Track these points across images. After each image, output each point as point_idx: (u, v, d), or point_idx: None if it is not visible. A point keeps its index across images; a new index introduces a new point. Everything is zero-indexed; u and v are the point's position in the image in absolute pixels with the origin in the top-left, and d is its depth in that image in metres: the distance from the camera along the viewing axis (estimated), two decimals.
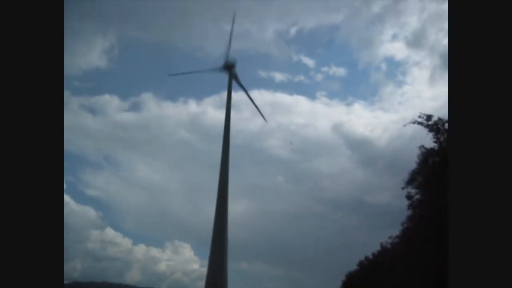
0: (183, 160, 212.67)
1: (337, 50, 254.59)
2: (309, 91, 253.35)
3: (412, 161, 31.67)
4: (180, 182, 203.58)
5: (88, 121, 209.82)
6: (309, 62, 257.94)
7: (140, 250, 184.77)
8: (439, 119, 29.37)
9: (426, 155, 30.27)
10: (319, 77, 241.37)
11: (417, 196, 31.54)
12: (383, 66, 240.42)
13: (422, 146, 30.59)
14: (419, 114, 30.24)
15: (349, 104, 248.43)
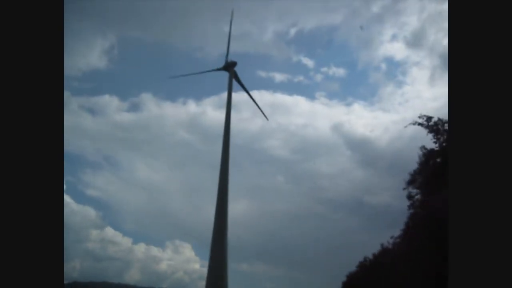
0: (183, 160, 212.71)
1: (336, 50, 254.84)
2: (308, 92, 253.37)
3: (412, 162, 31.72)
4: (180, 182, 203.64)
5: (88, 122, 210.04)
6: (309, 62, 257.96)
7: (140, 249, 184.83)
8: (439, 119, 29.40)
9: (427, 156, 30.29)
10: (318, 77, 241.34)
11: (418, 196, 31.57)
12: (383, 66, 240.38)
13: (423, 147, 30.63)
14: (419, 115, 30.28)
15: (348, 105, 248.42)
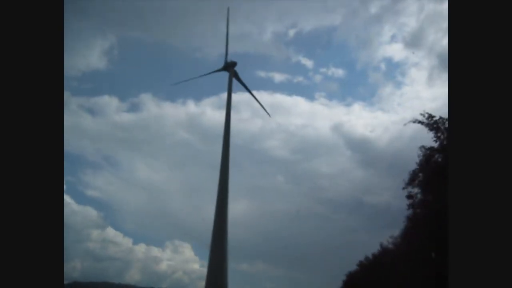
0: (182, 160, 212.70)
1: (335, 51, 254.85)
2: (308, 92, 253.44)
3: (412, 162, 31.66)
4: (180, 182, 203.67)
5: (88, 122, 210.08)
6: (308, 62, 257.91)
7: (140, 249, 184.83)
8: (440, 118, 29.33)
9: (427, 155, 30.26)
10: (318, 78, 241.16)
11: (418, 196, 31.54)
12: (382, 66, 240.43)
13: (422, 146, 30.59)
14: (420, 113, 30.22)
15: (348, 105, 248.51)
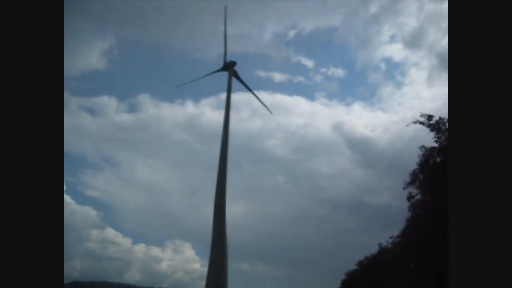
0: (182, 160, 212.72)
1: (335, 51, 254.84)
2: (308, 92, 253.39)
3: (412, 162, 31.69)
4: (179, 182, 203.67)
5: (87, 122, 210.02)
6: (308, 63, 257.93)
7: (140, 249, 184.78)
8: (440, 118, 29.36)
9: (427, 155, 30.28)
10: (318, 78, 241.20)
11: (418, 196, 31.55)
12: (381, 67, 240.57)
13: (422, 146, 30.61)
14: (420, 114, 30.26)
15: (348, 105, 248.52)
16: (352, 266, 64.72)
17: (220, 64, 74.61)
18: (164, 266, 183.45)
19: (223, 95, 72.95)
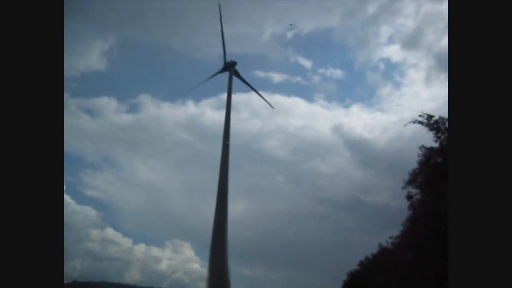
0: (182, 161, 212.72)
1: (334, 51, 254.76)
2: (307, 93, 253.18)
3: (411, 162, 31.67)
4: (179, 182, 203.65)
5: (87, 123, 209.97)
6: (307, 63, 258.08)
7: (140, 249, 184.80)
8: (440, 118, 29.35)
9: (427, 155, 30.28)
10: (316, 78, 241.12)
11: (418, 196, 31.55)
12: (380, 67, 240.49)
13: (422, 146, 30.61)
14: (420, 114, 30.27)
15: (347, 106, 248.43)
16: (351, 265, 64.66)
17: (220, 64, 74.77)
18: (164, 266, 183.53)
19: (223, 96, 73.30)
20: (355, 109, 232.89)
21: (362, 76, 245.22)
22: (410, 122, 30.76)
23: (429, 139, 30.06)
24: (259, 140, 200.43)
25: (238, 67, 74.77)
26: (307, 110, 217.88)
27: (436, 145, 29.58)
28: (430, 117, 29.88)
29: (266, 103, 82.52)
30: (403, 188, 31.79)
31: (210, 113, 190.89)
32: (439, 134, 29.27)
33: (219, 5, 73.95)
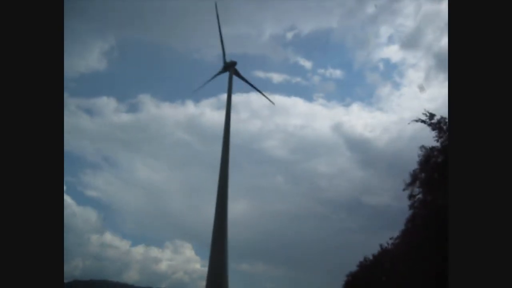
0: (182, 161, 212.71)
1: (333, 51, 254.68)
2: (306, 93, 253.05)
3: (411, 162, 31.66)
4: (179, 182, 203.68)
5: (87, 123, 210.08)
6: (306, 63, 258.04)
7: (140, 250, 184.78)
8: (442, 117, 29.30)
9: (427, 155, 30.26)
10: (316, 79, 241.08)
11: (419, 196, 31.50)
12: (379, 67, 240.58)
13: (422, 146, 30.58)
14: (423, 112, 30.21)
15: (346, 105, 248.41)
16: (352, 265, 64.66)
17: (220, 65, 74.75)
18: (164, 266, 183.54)
19: (223, 96, 73.43)
20: (355, 108, 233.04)
21: (361, 76, 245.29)
22: (413, 120, 30.73)
23: (429, 138, 30.06)
24: (258, 140, 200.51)
25: (238, 68, 74.83)
26: (306, 110, 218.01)
27: (437, 144, 29.56)
28: (432, 116, 29.84)
29: (266, 101, 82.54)
30: (403, 190, 31.77)
31: (210, 113, 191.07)
32: (441, 134, 29.24)
33: (216, 4, 73.68)
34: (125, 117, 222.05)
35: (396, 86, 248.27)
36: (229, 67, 73.75)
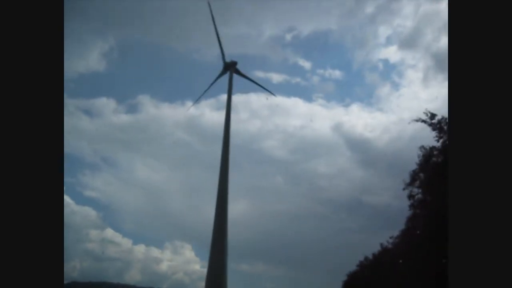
0: (181, 161, 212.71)
1: (332, 52, 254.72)
2: (306, 94, 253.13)
3: (411, 162, 31.69)
4: (179, 183, 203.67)
5: (86, 123, 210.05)
6: (306, 64, 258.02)
7: (140, 250, 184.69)
8: (443, 117, 29.30)
9: (427, 155, 30.28)
10: (315, 79, 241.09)
11: (419, 196, 31.52)
12: (378, 68, 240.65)
13: (422, 146, 30.61)
14: (423, 111, 30.20)
15: (346, 106, 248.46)
16: (352, 265, 64.76)
17: (220, 65, 74.67)
18: (163, 266, 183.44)
19: (222, 97, 73.32)
20: (355, 108, 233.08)
21: (360, 77, 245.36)
22: (413, 120, 30.73)
23: (429, 139, 30.07)
24: (258, 140, 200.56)
25: (238, 68, 74.74)
26: (306, 110, 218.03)
27: (438, 144, 29.57)
28: (433, 116, 29.83)
29: (266, 102, 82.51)
30: (403, 189, 31.80)
31: (210, 114, 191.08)
32: (441, 134, 29.26)
33: (209, 4, 72.76)
34: (124, 118, 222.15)
35: (395, 86, 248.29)
36: (230, 67, 73.70)
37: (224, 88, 74.05)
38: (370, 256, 56.47)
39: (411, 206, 31.90)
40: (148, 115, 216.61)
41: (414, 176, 31.27)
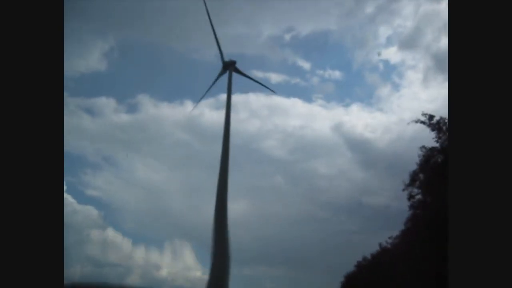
0: (182, 160, 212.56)
1: (332, 52, 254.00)
2: (305, 94, 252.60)
3: (412, 162, 31.71)
4: (179, 182, 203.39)
5: (87, 122, 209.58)
6: (305, 64, 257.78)
7: (140, 250, 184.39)
8: (442, 118, 29.39)
9: (427, 156, 30.32)
10: (315, 80, 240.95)
11: (418, 196, 31.57)
12: (378, 68, 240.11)
13: (423, 147, 30.65)
14: (422, 113, 30.33)
15: (346, 106, 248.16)
16: (351, 266, 64.64)
17: (219, 65, 74.59)
18: (164, 266, 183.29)
19: (222, 97, 73.15)
20: (355, 108, 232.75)
21: (360, 77, 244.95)
22: (412, 121, 30.87)
23: (429, 139, 30.12)
24: (257, 140, 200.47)
25: (237, 67, 74.66)
26: (306, 111, 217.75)
27: (437, 145, 29.62)
28: (431, 117, 29.94)
29: (265, 102, 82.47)
30: (403, 190, 31.83)
31: (209, 113, 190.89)
32: (440, 135, 29.31)
33: (205, 3, 72.40)
34: (124, 117, 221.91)
35: (396, 87, 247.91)
36: (229, 66, 73.64)
37: (223, 87, 74.00)
38: (369, 257, 56.40)
39: (411, 206, 31.92)
40: (147, 115, 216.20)
41: (414, 176, 31.31)
